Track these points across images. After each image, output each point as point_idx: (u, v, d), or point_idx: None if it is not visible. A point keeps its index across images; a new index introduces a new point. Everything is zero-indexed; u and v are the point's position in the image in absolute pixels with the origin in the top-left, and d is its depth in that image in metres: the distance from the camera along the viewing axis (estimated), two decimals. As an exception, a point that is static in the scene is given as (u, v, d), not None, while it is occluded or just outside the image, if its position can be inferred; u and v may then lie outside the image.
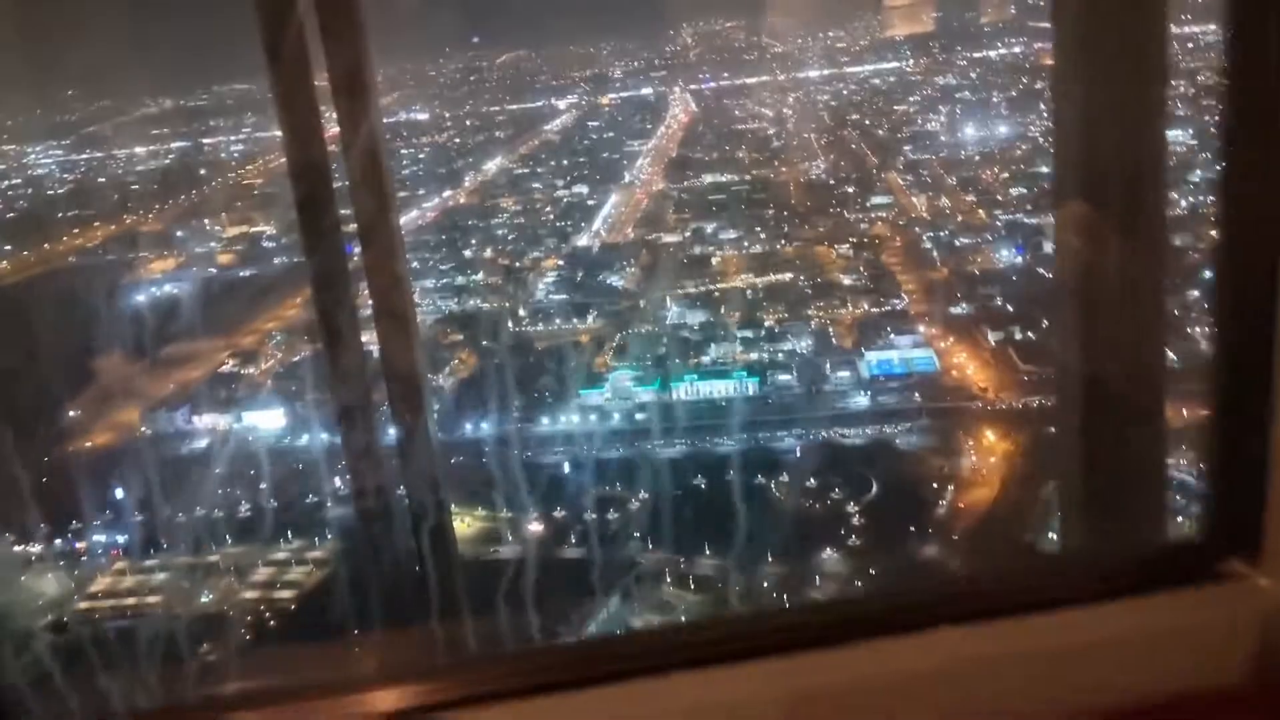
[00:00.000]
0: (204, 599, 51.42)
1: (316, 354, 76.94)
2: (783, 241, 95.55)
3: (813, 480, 54.95)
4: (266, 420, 70.33)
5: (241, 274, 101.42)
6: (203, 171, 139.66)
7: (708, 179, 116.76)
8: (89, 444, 68.50)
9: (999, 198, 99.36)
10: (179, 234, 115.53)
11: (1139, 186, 3.20)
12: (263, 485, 60.44)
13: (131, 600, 52.13)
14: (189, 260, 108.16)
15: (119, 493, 61.12)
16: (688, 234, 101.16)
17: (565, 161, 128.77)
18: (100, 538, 57.75)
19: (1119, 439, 3.45)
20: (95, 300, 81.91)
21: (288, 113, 2.53)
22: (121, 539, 57.87)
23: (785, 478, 55.76)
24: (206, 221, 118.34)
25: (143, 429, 70.77)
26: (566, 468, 60.68)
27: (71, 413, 71.00)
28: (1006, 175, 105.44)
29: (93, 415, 70.70)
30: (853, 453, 58.81)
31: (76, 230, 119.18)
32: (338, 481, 58.06)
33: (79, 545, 56.98)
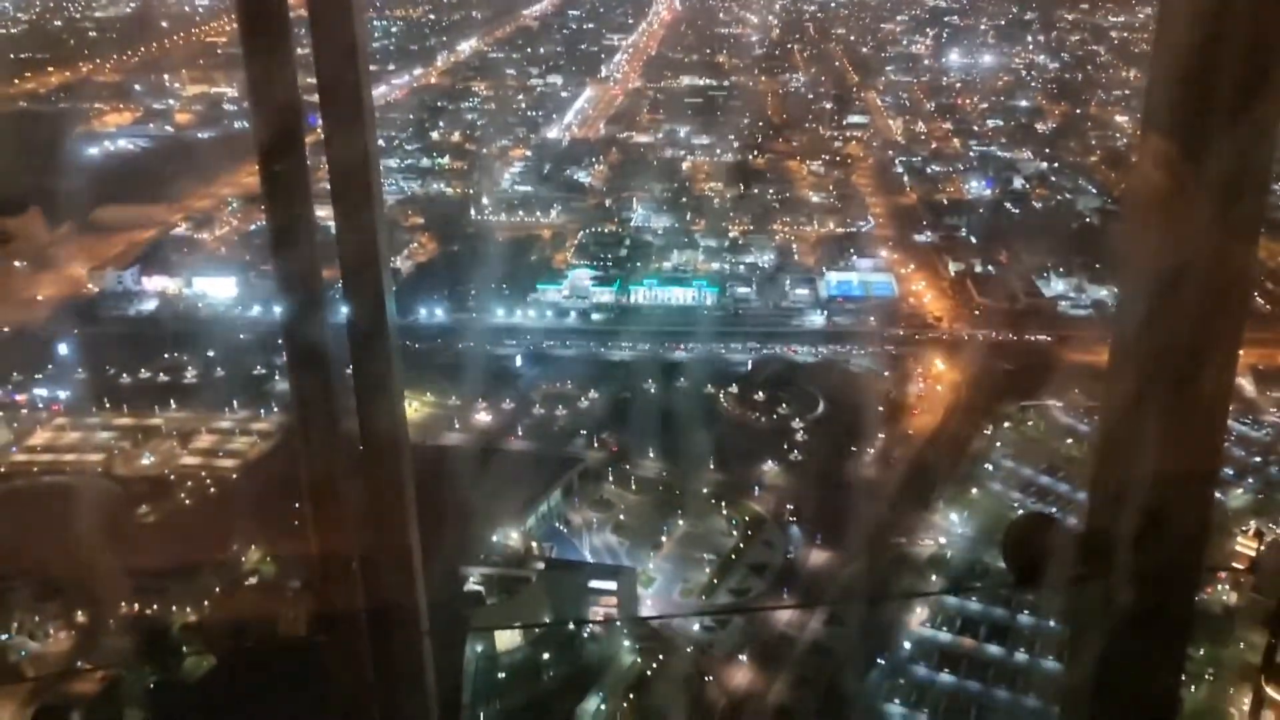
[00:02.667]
0: (145, 461, 51.16)
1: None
2: (755, 153, 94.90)
3: (761, 394, 55.53)
4: (217, 288, 69.25)
5: (200, 135, 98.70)
6: (164, 24, 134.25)
7: (685, 81, 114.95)
8: (34, 295, 67.15)
9: (975, 128, 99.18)
10: (136, 88, 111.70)
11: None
12: (210, 353, 59.81)
13: (71, 456, 51.83)
14: (146, 116, 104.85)
15: (62, 348, 60.25)
16: (660, 135, 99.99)
17: (542, 50, 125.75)
18: (42, 391, 57.00)
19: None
20: (46, 149, 79.33)
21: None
22: (64, 394, 57.22)
23: (735, 389, 56.25)
24: (166, 77, 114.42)
25: (90, 285, 69.46)
26: (519, 360, 60.70)
27: (17, 264, 69.39)
28: (985, 106, 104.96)
29: (38, 266, 69.13)
30: (804, 370, 59.37)
31: (29, 74, 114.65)
32: (286, 355, 57.18)
33: (19, 397, 56.25)
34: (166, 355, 59.43)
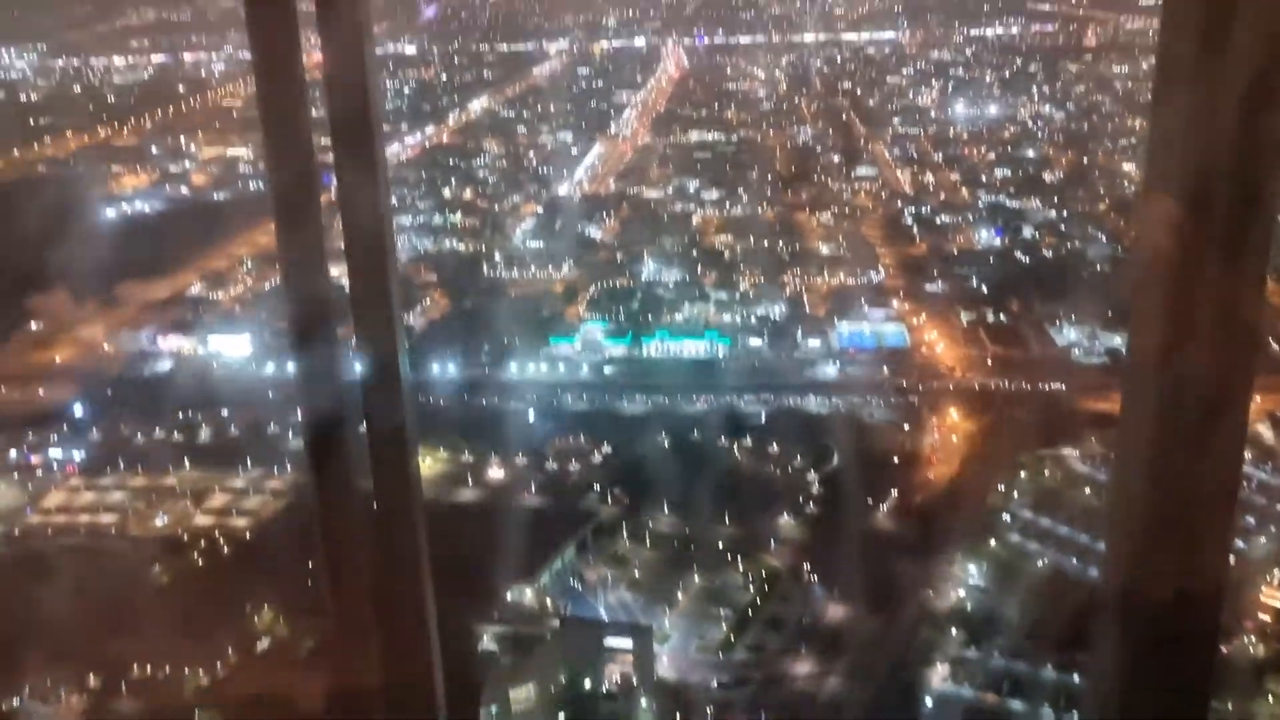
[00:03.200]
0: (158, 521, 51.10)
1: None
2: (765, 205, 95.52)
3: (775, 446, 55.20)
4: (232, 346, 69.73)
5: (216, 196, 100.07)
6: (181, 88, 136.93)
7: (694, 136, 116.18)
8: (51, 358, 67.74)
9: (983, 178, 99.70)
10: (153, 150, 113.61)
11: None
12: (224, 411, 60.02)
13: (85, 518, 51.81)
14: (162, 178, 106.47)
15: (79, 409, 60.58)
16: (670, 190, 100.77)
17: (552, 107, 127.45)
18: (57, 452, 57.25)
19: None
20: (64, 213, 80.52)
21: (260, 32, 2.34)
22: (79, 455, 57.43)
23: (749, 441, 55.96)
24: (183, 140, 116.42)
25: (106, 347, 70.02)
26: (531, 415, 60.65)
27: (34, 325, 70.08)
28: (993, 156, 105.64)
29: (55, 330, 69.80)
30: (817, 421, 59.05)
31: (49, 139, 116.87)
32: (300, 413, 57.23)
33: (35, 459, 56.47)
34: (181, 415, 59.61)
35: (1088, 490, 48.94)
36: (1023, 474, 51.56)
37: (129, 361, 68.02)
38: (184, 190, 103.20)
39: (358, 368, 2.79)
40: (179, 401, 60.79)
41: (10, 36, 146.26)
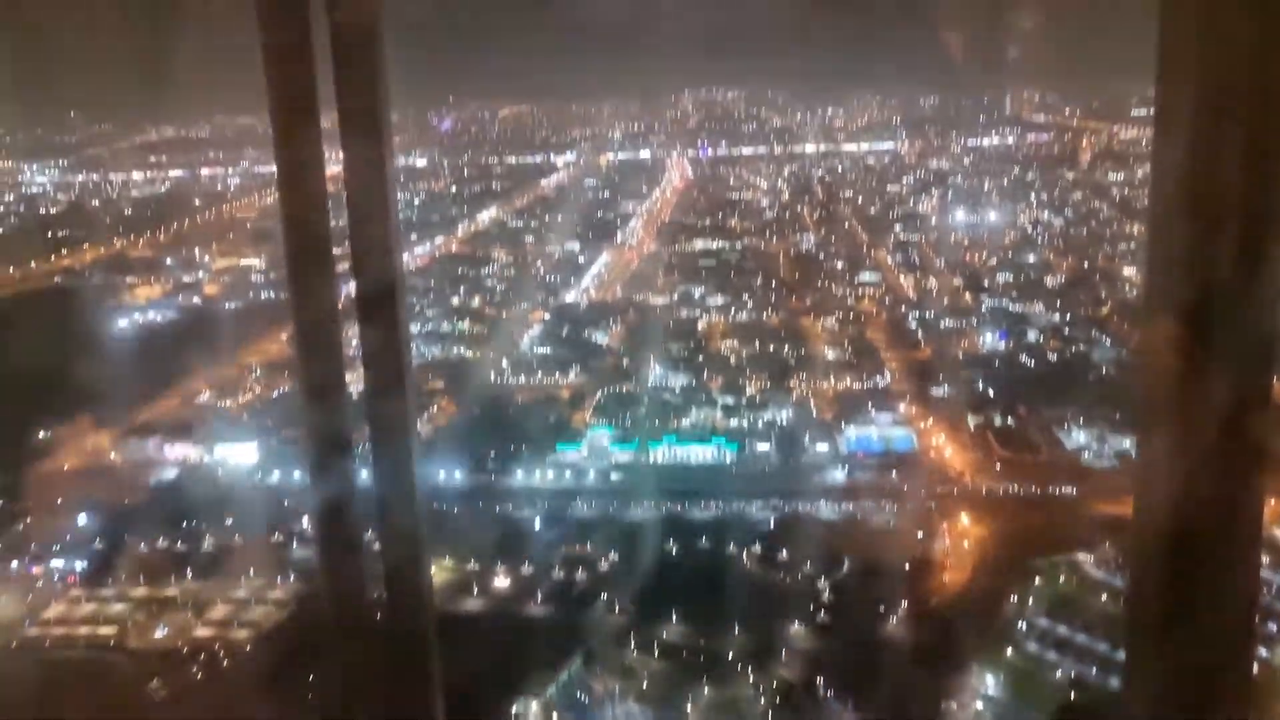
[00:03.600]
0: (158, 634, 50.29)
1: (294, 390, 76.28)
2: (770, 311, 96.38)
3: (785, 552, 54.54)
4: (239, 454, 69.61)
5: (227, 305, 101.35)
6: (197, 201, 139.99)
7: (699, 244, 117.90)
8: (58, 466, 67.66)
9: (985, 283, 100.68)
10: (168, 261, 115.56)
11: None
12: (229, 520, 59.65)
13: (84, 630, 51.02)
14: (175, 288, 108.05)
15: (82, 518, 60.23)
16: (675, 297, 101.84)
17: (560, 217, 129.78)
18: (59, 563, 56.72)
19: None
20: (78, 322, 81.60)
21: (287, 148, 2.44)
22: (80, 565, 56.89)
23: (758, 548, 55.30)
24: (197, 251, 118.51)
25: (113, 455, 70.02)
26: (538, 523, 60.14)
27: (42, 434, 70.20)
28: (994, 261, 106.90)
29: (63, 438, 69.89)
30: (827, 527, 58.45)
31: (66, 251, 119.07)
32: (305, 523, 57.26)
33: (36, 569, 55.94)
34: (185, 524, 59.20)
35: (1105, 597, 48.04)
36: (1037, 580, 50.69)
37: (135, 470, 67.90)
38: (196, 300, 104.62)
39: (371, 480, 2.81)
40: (183, 510, 60.46)
41: (33, 153, 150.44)
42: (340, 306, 2.75)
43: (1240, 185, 2.63)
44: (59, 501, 61.51)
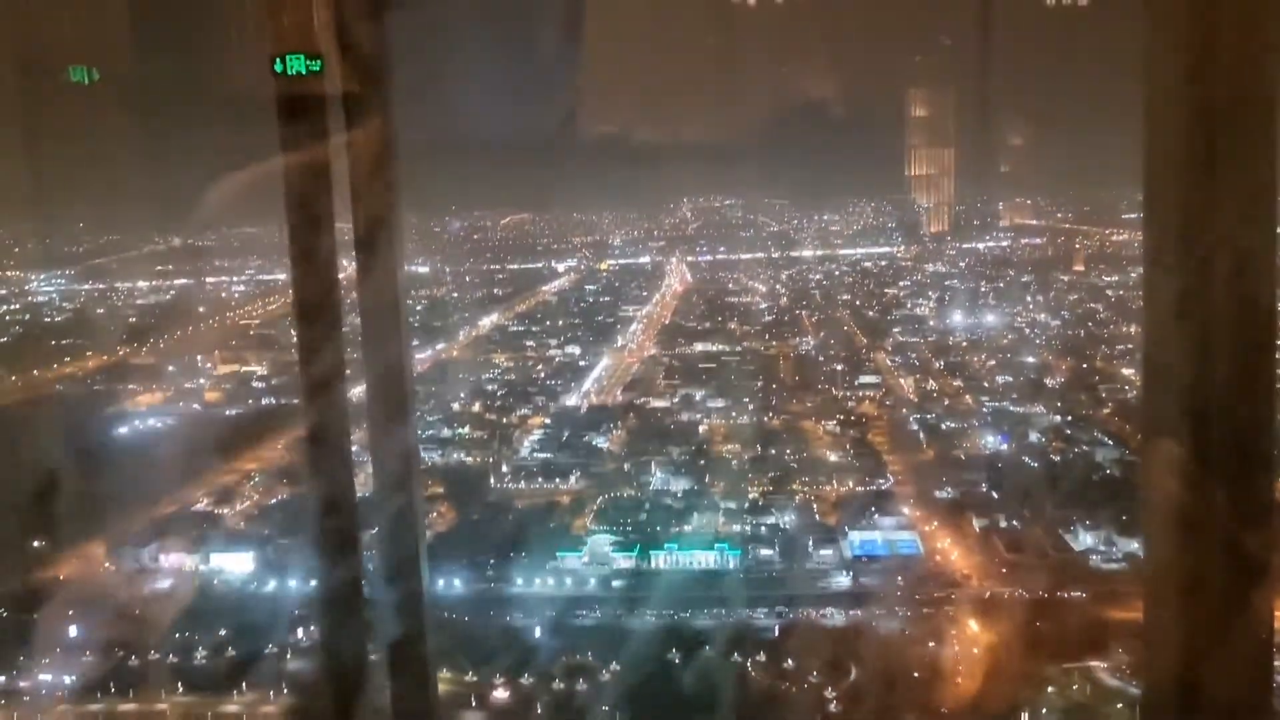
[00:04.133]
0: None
1: (293, 497, 75.68)
2: (770, 414, 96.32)
3: (790, 660, 53.42)
4: (235, 563, 68.65)
5: (228, 412, 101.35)
6: (201, 309, 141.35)
7: (699, 347, 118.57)
8: (52, 575, 66.68)
9: (985, 384, 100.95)
10: (170, 368, 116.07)
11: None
12: (223, 631, 58.50)
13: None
14: (176, 395, 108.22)
15: (72, 630, 59.04)
16: (676, 400, 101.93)
17: (560, 322, 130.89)
18: (46, 677, 55.35)
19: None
20: (77, 429, 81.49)
21: (303, 261, 2.47)
22: (70, 679, 55.51)
23: (763, 656, 54.17)
24: (199, 358, 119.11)
25: (107, 564, 69.04)
26: (538, 631, 59.02)
27: (36, 542, 69.40)
28: (993, 363, 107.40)
29: (58, 546, 69.09)
30: (833, 634, 57.39)
31: (69, 358, 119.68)
32: (300, 633, 56.34)
33: (24, 684, 54.57)
34: (178, 635, 58.06)
35: (1120, 706, 46.85)
36: (1050, 690, 49.50)
37: (128, 579, 66.88)
38: (196, 406, 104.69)
39: (378, 592, 2.75)
40: (176, 621, 59.43)
41: (41, 264, 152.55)
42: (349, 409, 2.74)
43: (1231, 307, 2.66)
44: (52, 612, 60.42)
